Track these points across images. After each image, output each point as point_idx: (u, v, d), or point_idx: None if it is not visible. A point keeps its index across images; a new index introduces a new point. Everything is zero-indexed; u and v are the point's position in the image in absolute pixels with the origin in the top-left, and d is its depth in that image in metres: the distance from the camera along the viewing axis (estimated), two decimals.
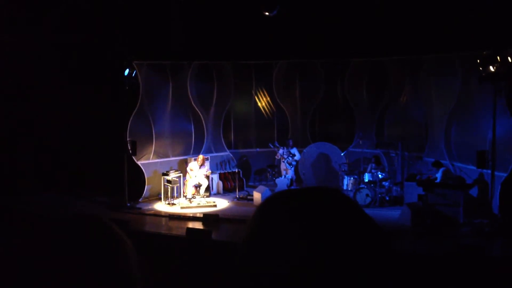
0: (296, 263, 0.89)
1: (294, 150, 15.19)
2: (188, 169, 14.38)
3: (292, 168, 15.14)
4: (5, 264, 0.90)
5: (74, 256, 0.94)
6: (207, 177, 14.61)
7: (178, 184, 14.28)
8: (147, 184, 14.37)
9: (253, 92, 17.18)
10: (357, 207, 1.00)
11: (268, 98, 17.21)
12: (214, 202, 13.90)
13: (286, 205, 0.99)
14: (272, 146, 15.45)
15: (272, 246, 0.92)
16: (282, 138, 16.13)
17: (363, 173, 13.89)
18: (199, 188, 14.41)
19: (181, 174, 14.45)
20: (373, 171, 13.73)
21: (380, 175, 13.54)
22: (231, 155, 16.62)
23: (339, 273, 0.89)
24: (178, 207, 13.55)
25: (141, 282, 1.01)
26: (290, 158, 15.01)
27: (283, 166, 15.29)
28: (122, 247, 1.01)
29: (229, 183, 15.67)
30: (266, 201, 1.03)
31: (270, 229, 0.95)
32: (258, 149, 16.41)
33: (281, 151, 15.15)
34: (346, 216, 0.96)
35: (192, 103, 15.68)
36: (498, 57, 10.88)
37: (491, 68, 10.92)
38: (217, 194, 15.30)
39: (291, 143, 15.27)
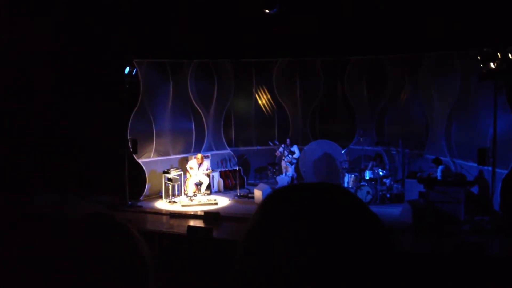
0: (298, 258, 0.89)
1: (294, 148, 15.19)
2: (188, 167, 14.39)
3: (293, 166, 15.13)
4: (18, 263, 0.90)
5: (89, 255, 0.94)
6: (208, 175, 14.62)
7: (179, 182, 14.30)
8: (148, 182, 14.38)
9: (254, 90, 17.18)
10: (359, 203, 1.00)
11: (269, 96, 17.21)
12: (215, 200, 13.91)
13: (288, 201, 0.99)
14: (271, 144, 15.44)
15: (274, 241, 0.92)
16: (282, 136, 16.13)
17: (364, 171, 13.88)
18: (200, 186, 14.43)
19: (182, 172, 14.46)
20: (374, 168, 13.73)
21: (381, 173, 13.54)
22: (232, 153, 16.62)
23: (341, 269, 0.89)
24: (179, 205, 13.56)
25: (155, 280, 1.01)
26: (289, 156, 15.00)
27: (283, 164, 15.30)
28: (137, 246, 1.01)
29: (230, 181, 15.67)
30: (268, 197, 1.03)
31: (272, 225, 0.95)
32: (258, 147, 16.40)
33: (281, 149, 15.16)
34: (348, 212, 0.96)
35: (193, 101, 15.68)
36: (499, 54, 10.86)
37: (492, 65, 10.90)
38: (218, 192, 15.31)
39: (288, 141, 15.27)
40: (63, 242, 0.95)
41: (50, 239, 0.96)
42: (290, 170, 15.09)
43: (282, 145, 15.20)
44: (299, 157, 15.31)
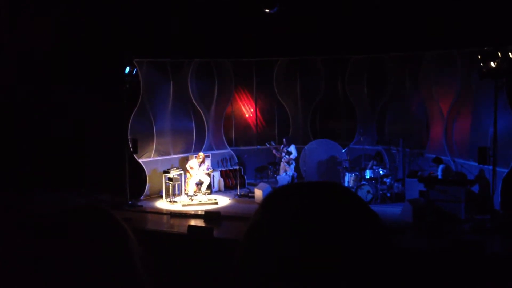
0: (298, 257, 0.89)
1: (291, 148, 15.14)
2: (188, 167, 14.38)
3: (291, 166, 15.09)
4: (11, 261, 0.90)
5: (79, 249, 0.94)
6: (209, 174, 14.62)
7: (179, 182, 14.30)
8: (148, 182, 14.38)
9: (254, 89, 17.17)
10: (359, 201, 1.00)
11: (269, 95, 17.20)
12: (215, 199, 13.91)
13: (288, 200, 0.99)
14: (268, 145, 15.42)
15: (274, 240, 0.92)
16: (283, 135, 16.13)
17: (364, 170, 13.88)
18: (201, 185, 14.43)
19: (182, 172, 14.47)
20: (374, 167, 13.72)
21: (381, 172, 13.53)
22: (232, 152, 16.62)
23: (341, 267, 0.89)
24: (179, 204, 13.56)
25: (145, 273, 1.01)
26: (286, 157, 14.99)
27: (282, 164, 15.29)
28: (126, 239, 1.01)
29: (230, 181, 15.67)
30: (269, 196, 1.03)
31: (273, 224, 0.95)
32: (259, 146, 16.40)
33: (279, 151, 15.19)
34: (348, 210, 0.96)
35: (193, 100, 15.67)
36: (499, 53, 10.85)
37: (492, 64, 10.89)
38: (219, 191, 15.31)
39: (285, 141, 15.27)
40: (54, 238, 0.95)
41: (41, 234, 0.96)
42: (289, 170, 15.07)
43: (281, 146, 15.20)
44: (296, 157, 15.24)
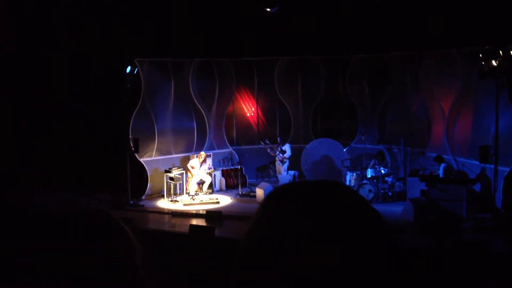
0: (299, 256, 0.89)
1: (286, 147, 15.13)
2: (189, 166, 14.38)
3: (285, 166, 15.08)
4: (11, 262, 0.90)
5: (79, 250, 0.93)
6: (210, 174, 14.63)
7: (181, 181, 14.31)
8: (150, 181, 14.39)
9: (255, 89, 17.18)
10: (361, 200, 0.99)
11: (270, 95, 17.20)
12: (216, 199, 13.92)
13: (289, 199, 0.98)
14: (262, 144, 15.41)
15: (275, 239, 0.92)
16: (284, 135, 16.14)
17: (365, 169, 13.87)
18: (202, 185, 14.44)
19: (184, 171, 14.47)
20: (376, 166, 13.72)
21: (382, 171, 13.53)
22: (234, 151, 16.62)
23: (342, 266, 0.89)
24: (181, 204, 13.57)
25: (146, 277, 1.00)
26: (280, 155, 15.01)
27: (276, 163, 15.31)
28: (128, 242, 1.01)
29: (231, 180, 15.68)
30: (270, 195, 1.02)
31: (273, 223, 0.95)
32: (260, 146, 16.41)
33: (272, 149, 15.20)
34: (350, 209, 0.96)
35: (194, 100, 15.68)
36: (500, 52, 10.84)
37: (493, 63, 10.88)
38: (220, 191, 15.31)
39: (279, 140, 15.29)
40: (51, 239, 0.95)
41: (40, 237, 0.95)
42: (283, 169, 15.06)
43: (276, 145, 15.22)
44: (290, 156, 15.24)
